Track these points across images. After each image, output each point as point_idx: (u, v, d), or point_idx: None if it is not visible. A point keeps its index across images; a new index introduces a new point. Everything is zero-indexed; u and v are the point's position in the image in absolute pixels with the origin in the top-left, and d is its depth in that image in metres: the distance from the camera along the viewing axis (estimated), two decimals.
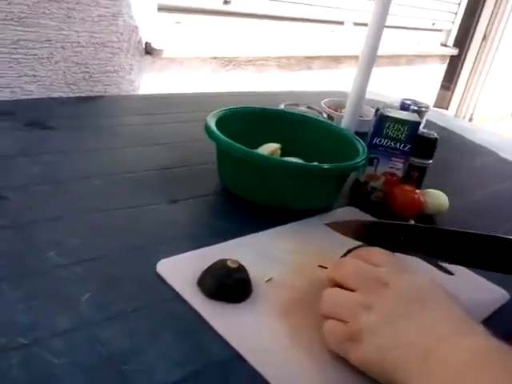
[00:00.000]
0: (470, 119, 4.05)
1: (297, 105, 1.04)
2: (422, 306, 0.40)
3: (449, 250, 0.51)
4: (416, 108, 0.95)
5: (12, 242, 0.50)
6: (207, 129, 0.66)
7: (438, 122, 1.20)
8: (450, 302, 0.42)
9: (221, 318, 0.45)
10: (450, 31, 3.19)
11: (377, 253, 0.47)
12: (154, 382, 0.38)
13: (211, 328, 0.44)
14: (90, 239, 0.53)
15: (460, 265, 0.53)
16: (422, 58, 2.84)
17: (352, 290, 0.44)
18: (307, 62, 1.92)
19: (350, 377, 0.41)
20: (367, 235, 0.52)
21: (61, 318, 0.42)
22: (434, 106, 3.32)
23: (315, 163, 0.69)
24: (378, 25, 0.82)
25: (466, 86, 4.03)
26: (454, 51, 3.32)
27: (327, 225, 0.53)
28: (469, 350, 0.36)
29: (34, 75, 1.27)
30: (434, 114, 1.26)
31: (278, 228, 0.62)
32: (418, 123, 0.72)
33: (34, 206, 0.57)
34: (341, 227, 0.52)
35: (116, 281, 0.48)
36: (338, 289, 0.45)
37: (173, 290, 0.48)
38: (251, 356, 0.42)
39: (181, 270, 0.50)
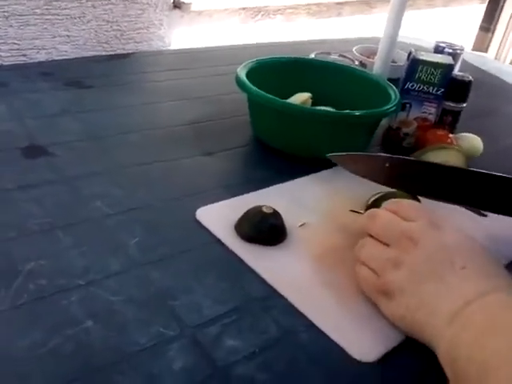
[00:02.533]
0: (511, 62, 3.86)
1: (328, 53, 1.03)
2: (451, 264, 0.40)
3: (467, 192, 0.50)
4: (451, 50, 0.92)
5: (61, 194, 0.54)
6: (238, 80, 0.67)
7: (476, 64, 1.16)
8: (480, 258, 0.42)
9: (258, 259, 0.48)
10: None
11: (408, 206, 0.47)
12: (200, 315, 0.41)
13: (249, 268, 0.47)
14: (132, 190, 0.56)
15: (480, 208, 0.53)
16: None
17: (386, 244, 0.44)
18: (337, 7, 1.87)
19: (380, 314, 0.43)
20: (373, 171, 0.51)
21: (112, 261, 0.46)
22: (472, 49, 3.17)
23: (347, 111, 0.70)
24: None
25: (506, 28, 3.82)
26: None
27: (330, 157, 0.53)
28: (491, 311, 0.36)
29: (68, 35, 1.29)
30: (471, 57, 1.22)
31: (311, 176, 0.64)
32: (452, 66, 0.70)
33: (78, 161, 0.60)
34: (344, 160, 0.52)
35: (159, 227, 0.51)
36: (373, 241, 0.45)
37: (212, 235, 0.51)
38: (287, 292, 0.45)
39: (219, 217, 0.53)
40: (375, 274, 0.44)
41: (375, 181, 0.53)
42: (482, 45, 3.77)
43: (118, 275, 0.44)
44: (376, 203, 0.53)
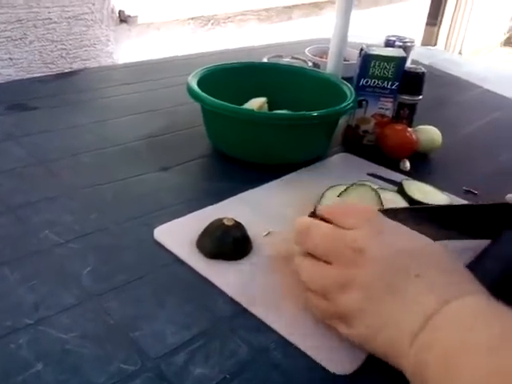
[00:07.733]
0: (460, 53, 3.97)
1: (280, 56, 1.02)
2: (406, 273, 0.35)
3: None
4: (401, 44, 0.92)
5: (7, 226, 0.50)
6: (189, 90, 0.65)
7: (423, 60, 1.18)
8: (436, 261, 0.37)
9: (223, 275, 0.45)
10: None
11: (344, 211, 0.40)
12: (164, 345, 0.38)
13: (214, 287, 0.44)
14: (84, 215, 0.53)
15: None
16: None
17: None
18: (287, 11, 1.87)
19: None
20: None
21: (64, 294, 0.42)
22: (421, 44, 3.24)
23: (302, 112, 0.68)
24: None
25: (452, 20, 3.93)
26: None
27: None
28: (455, 324, 0.32)
29: (10, 58, 1.24)
30: (419, 51, 1.23)
31: (272, 182, 0.62)
32: (404, 58, 0.70)
33: (23, 189, 0.56)
34: None
35: (115, 252, 0.48)
36: (311, 260, 0.39)
37: (172, 254, 0.48)
38: (256, 308, 0.42)
39: (178, 234, 0.50)
40: (325, 299, 0.38)
41: None
42: (430, 39, 3.87)
43: (71, 309, 0.40)
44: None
